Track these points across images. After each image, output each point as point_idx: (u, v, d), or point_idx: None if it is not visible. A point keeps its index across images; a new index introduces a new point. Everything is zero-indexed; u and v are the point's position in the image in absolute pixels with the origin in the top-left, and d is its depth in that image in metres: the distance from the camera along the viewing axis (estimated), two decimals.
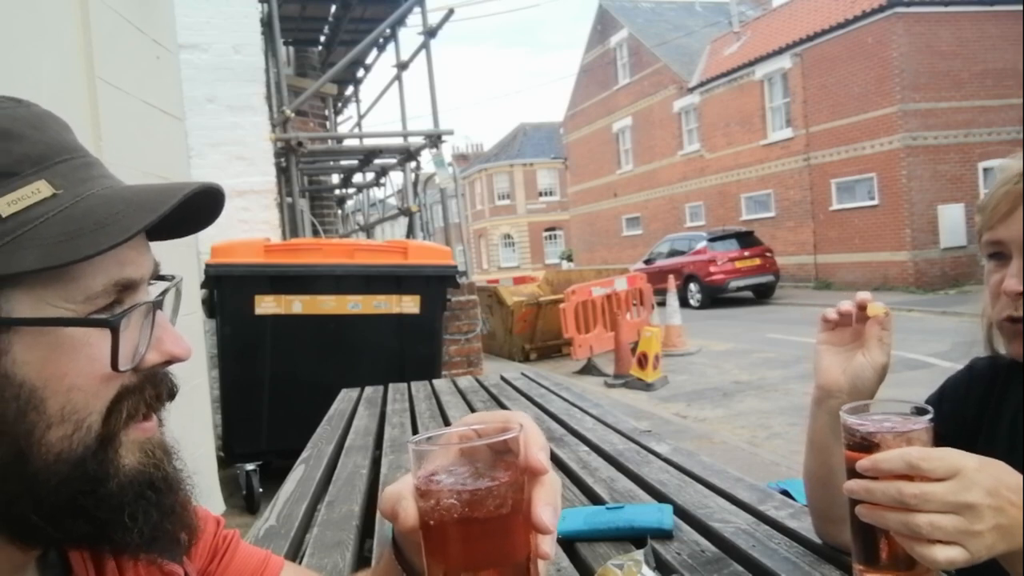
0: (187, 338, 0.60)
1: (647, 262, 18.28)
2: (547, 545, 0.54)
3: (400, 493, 0.55)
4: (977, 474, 0.72)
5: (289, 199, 8.24)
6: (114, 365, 0.53)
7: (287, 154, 8.01)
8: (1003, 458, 0.76)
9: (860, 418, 0.81)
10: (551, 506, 0.54)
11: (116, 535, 0.54)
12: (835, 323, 1.01)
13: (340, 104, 13.59)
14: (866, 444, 0.78)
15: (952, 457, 0.73)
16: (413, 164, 9.74)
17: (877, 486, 0.74)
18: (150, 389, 0.57)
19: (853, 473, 0.77)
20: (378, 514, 1.56)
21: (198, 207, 0.58)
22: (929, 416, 0.78)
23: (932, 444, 0.77)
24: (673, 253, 18.04)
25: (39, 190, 0.51)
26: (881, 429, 0.78)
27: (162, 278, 0.62)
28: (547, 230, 43.48)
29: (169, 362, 0.58)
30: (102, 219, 0.52)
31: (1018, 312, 0.94)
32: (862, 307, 0.98)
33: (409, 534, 0.56)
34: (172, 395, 0.60)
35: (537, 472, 0.54)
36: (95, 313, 0.53)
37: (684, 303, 13.64)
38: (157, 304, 0.58)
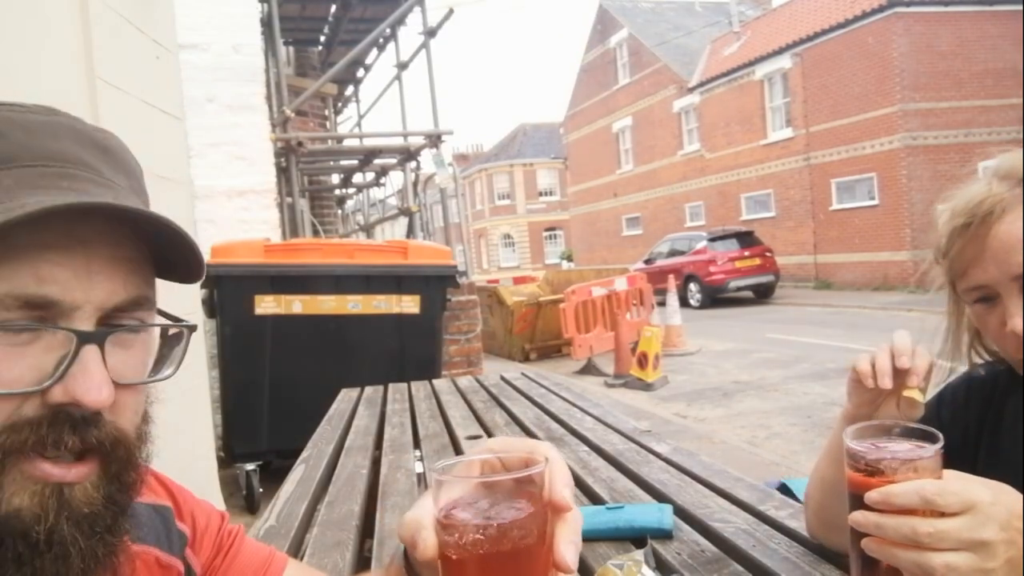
0: (107, 389, 0.51)
1: (647, 262, 18.28)
2: None
3: (420, 522, 0.54)
4: (991, 508, 0.70)
5: (289, 199, 8.24)
6: None
7: (287, 154, 8.01)
8: (1006, 471, 0.75)
9: (866, 443, 0.76)
10: (574, 544, 0.53)
11: None
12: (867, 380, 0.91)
13: (340, 104, 13.58)
14: (871, 471, 0.74)
15: (967, 491, 0.71)
16: (413, 164, 9.75)
17: (889, 522, 0.71)
18: (48, 428, 0.49)
19: (857, 499, 0.74)
20: (378, 514, 1.57)
21: (174, 251, 0.56)
22: (939, 444, 0.74)
23: (941, 471, 0.74)
24: (673, 253, 18.04)
25: None
26: (888, 456, 0.74)
27: (172, 319, 0.59)
28: (547, 230, 43.48)
29: (74, 405, 0.50)
30: None
31: None
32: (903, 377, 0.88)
33: (428, 563, 0.56)
34: (79, 447, 0.51)
35: (562, 510, 0.53)
36: None
37: (684, 303, 13.63)
38: (89, 338, 0.51)
